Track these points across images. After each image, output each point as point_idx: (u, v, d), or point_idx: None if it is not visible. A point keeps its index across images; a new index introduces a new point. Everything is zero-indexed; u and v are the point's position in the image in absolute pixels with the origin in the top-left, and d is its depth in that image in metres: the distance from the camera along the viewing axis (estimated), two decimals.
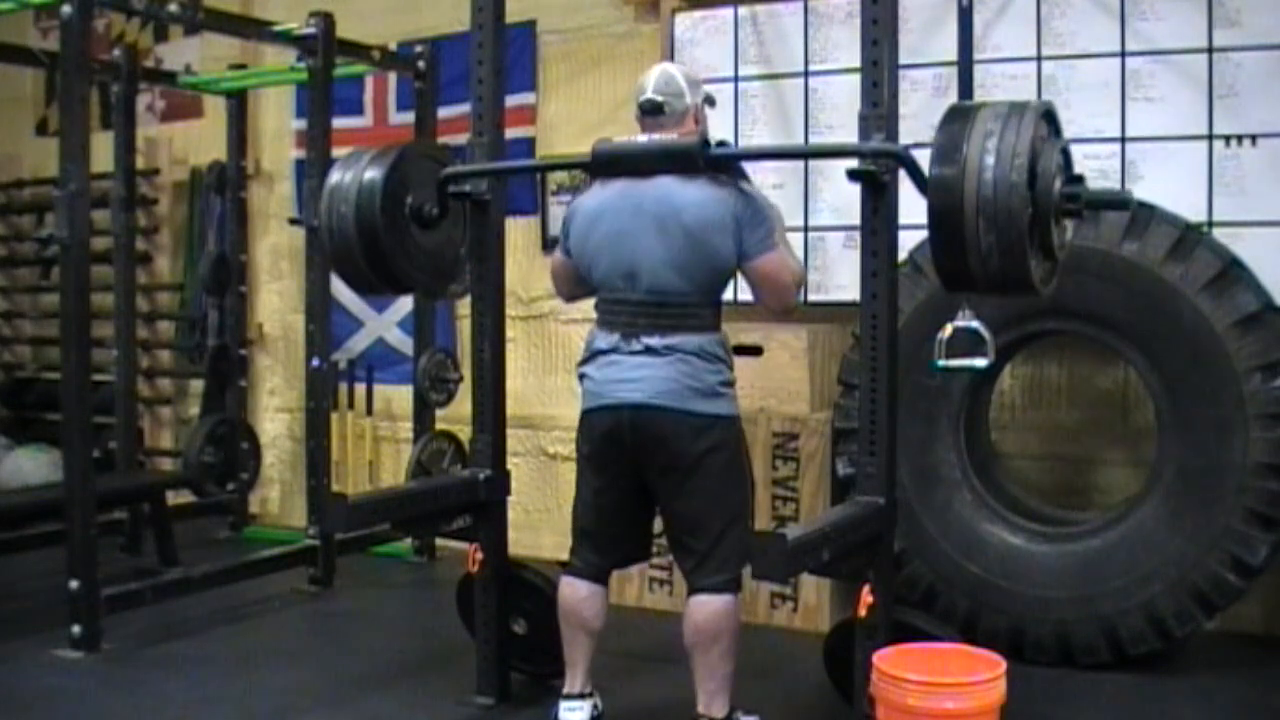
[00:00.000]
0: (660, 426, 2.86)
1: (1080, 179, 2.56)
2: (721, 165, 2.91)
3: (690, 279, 2.87)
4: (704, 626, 2.88)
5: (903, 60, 2.96)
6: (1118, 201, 2.82)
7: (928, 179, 2.51)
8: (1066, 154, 2.57)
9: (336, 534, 4.57)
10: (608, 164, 2.98)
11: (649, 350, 2.87)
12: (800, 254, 4.39)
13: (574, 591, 3.05)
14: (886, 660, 2.69)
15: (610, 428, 2.93)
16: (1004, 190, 2.39)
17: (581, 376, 3.02)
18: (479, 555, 3.33)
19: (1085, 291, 3.58)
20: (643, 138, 2.98)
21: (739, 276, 3.04)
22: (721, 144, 3.00)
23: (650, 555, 3.26)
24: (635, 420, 2.88)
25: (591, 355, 2.99)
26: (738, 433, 3.01)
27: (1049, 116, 2.55)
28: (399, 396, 5.45)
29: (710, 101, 3.13)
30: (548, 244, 4.91)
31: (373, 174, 3.12)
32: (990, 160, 2.40)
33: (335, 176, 3.18)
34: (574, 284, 3.15)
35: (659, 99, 2.97)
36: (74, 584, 3.75)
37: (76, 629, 3.76)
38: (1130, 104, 3.89)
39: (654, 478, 2.95)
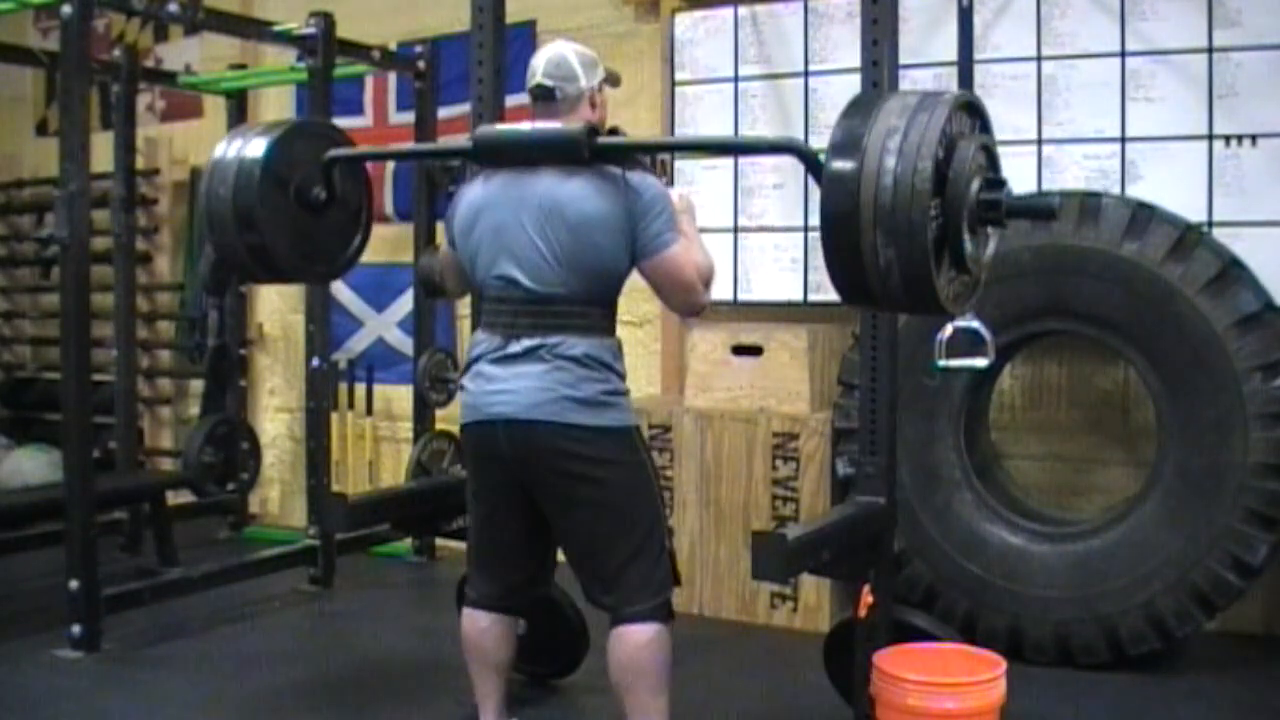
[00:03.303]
0: (535, 442, 2.61)
1: (1002, 183, 2.24)
2: (609, 155, 2.64)
3: (575, 278, 2.62)
4: (627, 663, 2.64)
5: (903, 60, 2.96)
6: (1043, 210, 2.45)
7: (820, 182, 2.22)
8: (990, 152, 2.26)
9: (336, 534, 4.57)
10: (489, 153, 2.74)
11: (529, 352, 2.62)
12: (800, 254, 4.41)
13: (473, 624, 2.85)
14: (886, 660, 2.70)
15: (486, 445, 2.70)
16: (905, 197, 2.07)
17: (460, 389, 2.78)
18: None
19: (1085, 291, 3.58)
20: (526, 125, 2.74)
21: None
22: (614, 131, 2.79)
23: (551, 584, 3.02)
24: (510, 436, 2.63)
25: (469, 363, 2.75)
26: (633, 445, 2.70)
27: (970, 109, 2.25)
28: (399, 396, 5.45)
29: (612, 82, 2.89)
30: None
31: (254, 152, 2.83)
32: (891, 162, 2.08)
33: (218, 152, 2.90)
34: (462, 278, 2.90)
35: (549, 83, 2.72)
36: (74, 584, 3.75)
37: (76, 629, 3.76)
38: (1130, 104, 3.89)
39: (541, 499, 2.70)
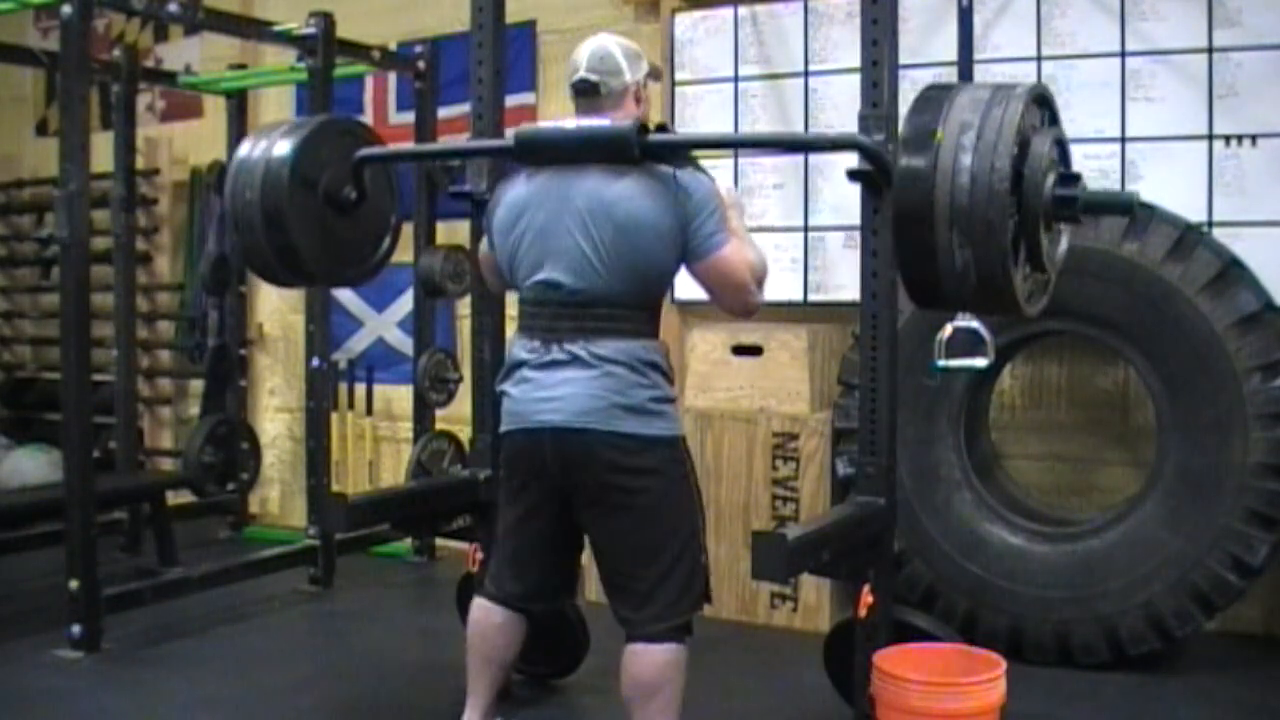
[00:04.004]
0: (584, 450, 2.53)
1: (1077, 178, 2.21)
2: (659, 153, 2.54)
3: (621, 280, 2.53)
4: (642, 680, 2.56)
5: (903, 60, 2.96)
6: (1119, 205, 2.43)
7: (892, 181, 2.18)
8: (1062, 146, 2.22)
9: (336, 534, 4.57)
10: (532, 151, 2.64)
11: (574, 359, 2.54)
12: (800, 254, 4.41)
13: (487, 617, 2.78)
14: (886, 660, 2.70)
15: (530, 453, 2.61)
16: (982, 196, 2.01)
17: (502, 394, 2.69)
18: (479, 555, 3.33)
19: (1085, 291, 3.58)
20: (571, 122, 2.67)
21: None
22: (661, 128, 2.69)
23: (576, 594, 2.98)
24: (557, 444, 2.55)
25: (511, 369, 2.66)
26: (680, 456, 2.63)
27: (1041, 101, 2.20)
28: (399, 396, 5.45)
29: (654, 76, 2.80)
30: None
31: (281, 151, 2.75)
32: (966, 161, 2.03)
33: (243, 152, 2.81)
34: (502, 277, 2.81)
35: (593, 78, 2.62)
36: (74, 584, 3.75)
37: (76, 629, 3.76)
38: (1130, 104, 3.89)
39: (581, 508, 2.62)
